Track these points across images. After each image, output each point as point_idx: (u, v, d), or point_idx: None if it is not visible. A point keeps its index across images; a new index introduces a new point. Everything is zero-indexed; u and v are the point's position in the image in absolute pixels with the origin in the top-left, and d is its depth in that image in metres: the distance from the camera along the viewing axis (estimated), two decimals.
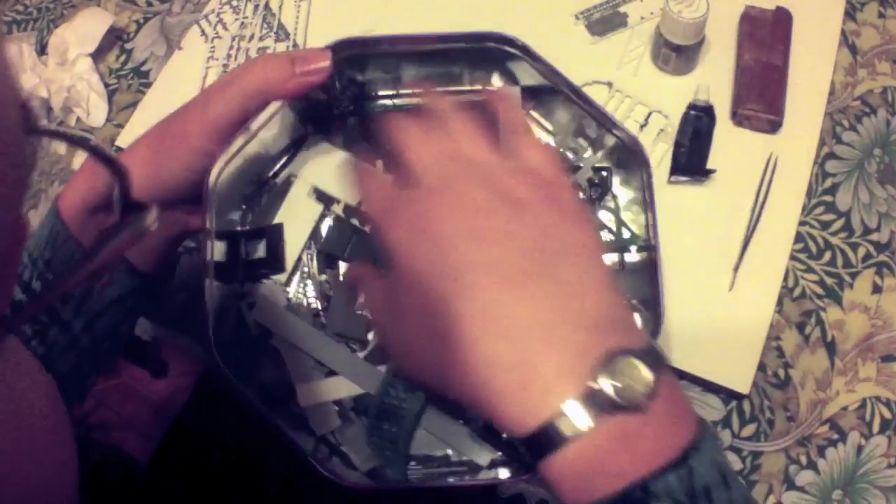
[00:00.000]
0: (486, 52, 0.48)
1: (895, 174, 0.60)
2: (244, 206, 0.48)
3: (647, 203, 0.44)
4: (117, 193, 0.23)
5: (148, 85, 0.67)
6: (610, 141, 0.48)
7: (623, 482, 0.28)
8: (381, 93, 0.49)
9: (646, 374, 0.29)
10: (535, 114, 0.50)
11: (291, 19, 0.65)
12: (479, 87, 0.50)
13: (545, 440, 0.29)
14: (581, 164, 0.49)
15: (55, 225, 0.43)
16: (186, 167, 0.43)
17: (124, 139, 0.64)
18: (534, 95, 0.50)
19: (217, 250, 0.44)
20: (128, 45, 0.70)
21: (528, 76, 0.49)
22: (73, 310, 0.43)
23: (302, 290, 0.46)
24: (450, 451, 0.42)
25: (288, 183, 0.48)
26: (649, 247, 0.45)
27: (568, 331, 0.30)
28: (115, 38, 0.70)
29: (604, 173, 0.49)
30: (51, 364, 0.43)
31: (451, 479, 0.40)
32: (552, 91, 0.48)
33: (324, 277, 0.47)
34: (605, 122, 0.47)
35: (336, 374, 0.44)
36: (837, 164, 0.60)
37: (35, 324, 0.42)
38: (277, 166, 0.48)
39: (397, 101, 0.49)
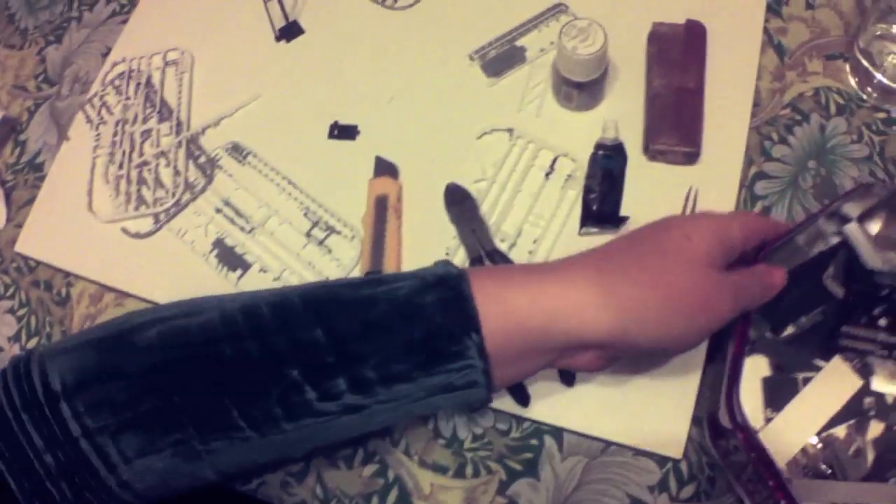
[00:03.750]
0: None
1: (834, 187, 0.55)
2: None
3: None
4: None
5: (42, 178, 0.64)
6: None
7: None
8: None
9: None
10: None
11: (174, 94, 0.62)
12: None
13: None
14: None
15: None
16: None
17: (24, 242, 0.61)
18: None
19: None
20: (22, 137, 0.67)
21: None
22: None
23: None
24: None
25: None
26: None
27: None
28: (9, 130, 0.67)
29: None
30: None
31: None
32: None
33: None
34: None
35: None
36: (767, 185, 0.56)
37: None
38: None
39: None
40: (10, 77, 0.70)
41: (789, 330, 0.47)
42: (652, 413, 0.50)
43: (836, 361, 0.45)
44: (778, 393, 0.45)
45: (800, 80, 0.59)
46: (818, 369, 0.45)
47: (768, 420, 0.45)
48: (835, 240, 0.48)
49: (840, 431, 0.44)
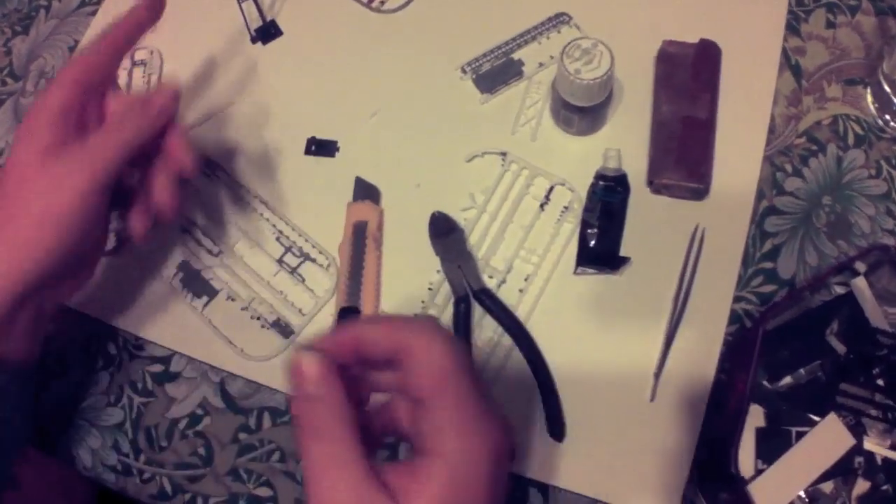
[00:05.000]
0: None
1: (849, 226, 0.51)
2: None
3: None
4: None
5: None
6: None
7: None
8: None
9: None
10: None
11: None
12: None
13: None
14: None
15: None
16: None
17: None
18: None
19: None
20: None
21: None
22: None
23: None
24: None
25: None
26: None
27: None
28: None
29: None
30: None
31: None
32: None
33: None
34: None
35: None
36: (779, 221, 0.52)
37: None
38: None
39: None
40: None
41: (786, 380, 0.46)
42: (645, 472, 0.46)
43: (831, 418, 0.44)
44: (771, 445, 0.44)
45: (817, 107, 0.55)
46: (812, 424, 0.44)
47: (759, 472, 0.44)
48: (839, 290, 0.47)
49: (827, 486, 0.43)
